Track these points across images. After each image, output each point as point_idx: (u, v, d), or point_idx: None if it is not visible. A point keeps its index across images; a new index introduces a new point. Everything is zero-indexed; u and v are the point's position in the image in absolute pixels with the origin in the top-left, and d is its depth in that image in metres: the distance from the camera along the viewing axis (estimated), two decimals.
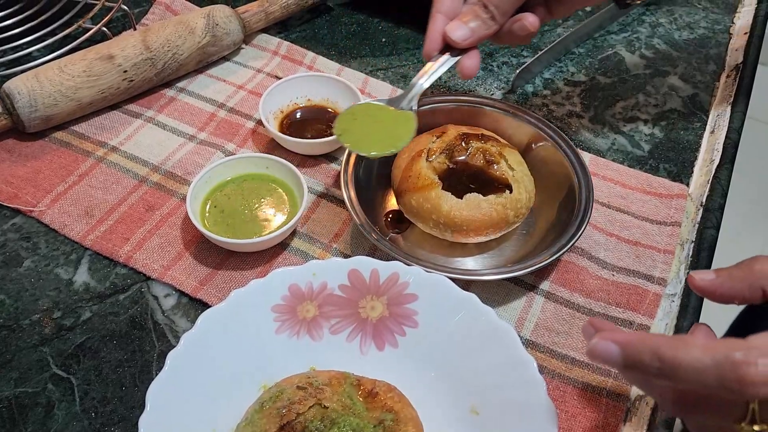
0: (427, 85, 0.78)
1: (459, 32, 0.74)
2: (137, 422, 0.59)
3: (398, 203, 0.81)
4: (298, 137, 0.91)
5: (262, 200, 0.82)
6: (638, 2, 1.00)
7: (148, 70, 0.95)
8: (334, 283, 0.69)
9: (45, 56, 0.97)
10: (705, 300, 0.74)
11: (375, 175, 0.87)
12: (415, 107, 0.79)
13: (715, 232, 0.84)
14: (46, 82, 0.89)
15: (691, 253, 0.82)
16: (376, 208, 0.86)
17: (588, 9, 1.17)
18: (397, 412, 0.59)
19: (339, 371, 0.64)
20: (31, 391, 0.68)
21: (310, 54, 1.06)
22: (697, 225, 0.85)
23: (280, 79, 1.01)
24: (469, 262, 0.81)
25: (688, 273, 0.80)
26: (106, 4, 1.05)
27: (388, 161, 0.85)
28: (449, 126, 0.86)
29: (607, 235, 0.84)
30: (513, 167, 0.81)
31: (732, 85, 1.05)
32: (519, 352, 0.63)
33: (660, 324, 0.75)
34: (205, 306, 0.75)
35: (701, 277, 0.58)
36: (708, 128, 0.99)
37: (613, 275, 0.80)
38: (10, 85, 0.88)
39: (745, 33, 1.14)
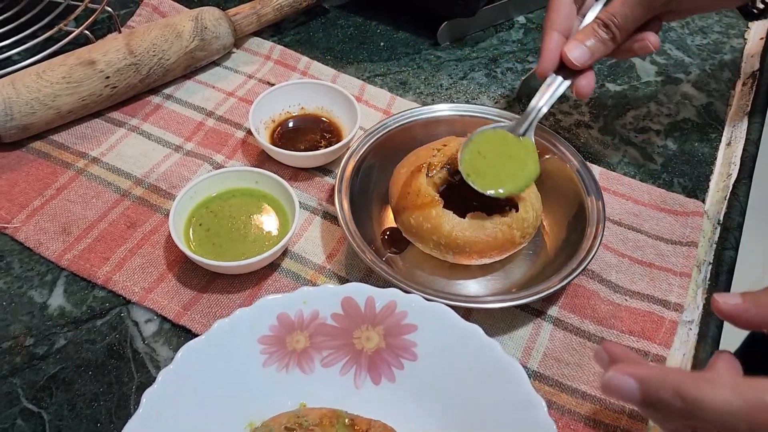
0: (546, 109, 0.75)
1: (577, 53, 0.72)
2: None
3: (396, 222, 0.76)
4: (290, 149, 0.86)
5: (251, 218, 0.77)
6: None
7: (132, 76, 0.90)
8: (327, 311, 0.63)
9: (25, 60, 0.91)
10: (725, 328, 0.69)
11: (372, 190, 0.82)
12: (532, 134, 0.75)
13: (734, 253, 0.79)
14: (23, 89, 0.83)
15: (708, 276, 0.77)
16: (373, 225, 0.80)
17: None
18: None
19: (331, 409, 0.59)
20: None
21: (304, 59, 1.01)
22: (714, 245, 0.80)
23: (272, 85, 0.96)
24: (472, 286, 0.76)
25: (706, 298, 0.75)
26: (90, 5, 1.00)
27: (387, 175, 0.80)
28: (451, 138, 0.81)
29: (619, 256, 0.79)
30: None
31: (749, 94, 0.99)
32: (526, 390, 0.58)
33: (677, 354, 0.70)
34: (189, 333, 0.70)
35: (725, 300, 0.53)
36: (724, 140, 0.94)
37: (626, 300, 0.74)
38: None
39: (762, 38, 1.09)
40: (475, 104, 0.96)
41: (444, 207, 0.72)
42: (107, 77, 0.88)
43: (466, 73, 1.02)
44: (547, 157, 0.83)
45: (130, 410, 0.64)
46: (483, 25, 1.10)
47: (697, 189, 0.87)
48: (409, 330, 0.63)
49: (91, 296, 0.73)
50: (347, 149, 0.81)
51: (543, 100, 0.74)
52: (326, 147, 0.85)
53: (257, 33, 1.05)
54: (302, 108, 0.91)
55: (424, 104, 0.96)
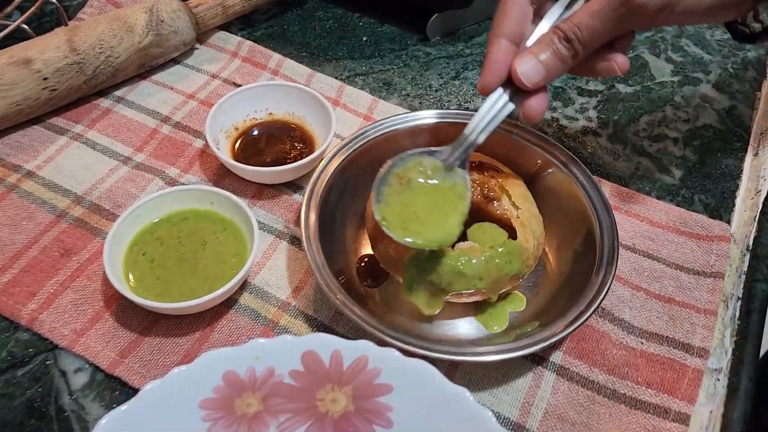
0: (483, 137, 0.61)
1: (529, 68, 0.58)
2: None
3: (373, 250, 0.65)
4: (254, 162, 0.75)
5: (204, 245, 0.66)
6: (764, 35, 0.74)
7: (74, 77, 0.79)
8: (284, 368, 0.53)
9: None
10: (764, 381, 0.59)
11: (348, 210, 0.71)
12: (466, 166, 0.61)
13: (767, 286, 0.68)
14: None
15: (738, 314, 0.66)
16: (347, 252, 0.69)
17: None
18: None
19: None
20: None
21: (276, 56, 0.89)
22: (743, 276, 0.69)
23: (238, 86, 0.84)
24: (463, 327, 0.65)
25: (736, 341, 0.64)
26: None
27: (365, 193, 0.69)
28: None
29: (632, 289, 0.68)
30: (518, 205, 0.65)
31: None
32: None
33: (703, 410, 0.59)
34: (125, 386, 0.59)
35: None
36: (750, 150, 0.82)
37: (642, 343, 0.64)
38: None
39: None
40: (469, 110, 0.85)
41: None
42: (45, 78, 0.77)
43: (459, 72, 0.91)
44: (549, 171, 0.71)
45: None
46: (478, 17, 0.99)
47: (721, 207, 0.76)
48: (383, 391, 0.52)
49: (12, 339, 0.62)
50: (319, 162, 0.70)
51: (481, 125, 0.60)
52: (296, 159, 0.74)
53: (224, 26, 0.93)
54: (270, 114, 0.79)
55: (411, 109, 0.85)
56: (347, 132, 0.80)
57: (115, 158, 0.77)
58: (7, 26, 0.83)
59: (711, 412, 0.59)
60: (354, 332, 0.63)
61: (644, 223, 0.73)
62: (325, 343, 0.53)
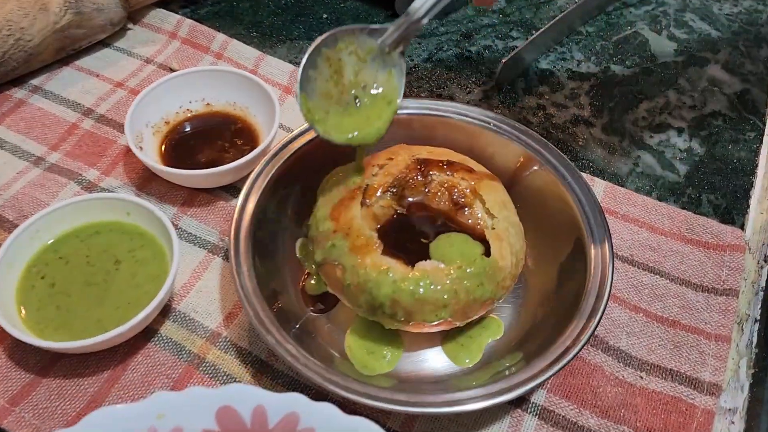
0: (426, 21, 0.50)
1: None
2: None
3: (319, 271, 0.54)
4: (186, 161, 0.64)
5: (117, 265, 0.55)
6: None
7: None
8: (195, 428, 0.42)
9: None
10: None
11: (292, 219, 0.60)
12: (403, 52, 0.52)
13: None
14: None
15: (755, 340, 0.56)
16: (289, 271, 0.58)
17: None
18: None
19: None
20: None
21: (221, 37, 0.77)
22: (761, 292, 0.58)
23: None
24: (429, 360, 0.54)
25: (753, 374, 0.54)
26: None
27: (312, 198, 0.58)
28: (399, 148, 0.59)
29: (630, 311, 0.57)
30: (493, 213, 0.54)
31: None
32: None
33: None
34: None
35: None
36: (766, 140, 0.72)
37: (642, 378, 0.53)
38: None
39: None
40: (440, 98, 0.74)
41: (384, 251, 0.50)
42: None
43: (432, 53, 0.79)
44: (532, 170, 0.61)
45: None
46: None
47: (733, 209, 0.65)
48: None
49: None
50: (260, 162, 0.59)
51: (429, 2, 0.50)
52: (236, 158, 0.62)
53: (163, 3, 0.81)
54: (207, 105, 0.68)
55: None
56: (300, 124, 0.69)
57: (24, 159, 0.66)
58: None
59: None
60: (295, 374, 0.52)
61: (644, 229, 0.63)
62: (246, 397, 0.42)
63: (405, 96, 0.73)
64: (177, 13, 0.81)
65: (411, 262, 0.50)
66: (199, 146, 0.65)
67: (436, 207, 0.56)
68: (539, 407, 0.52)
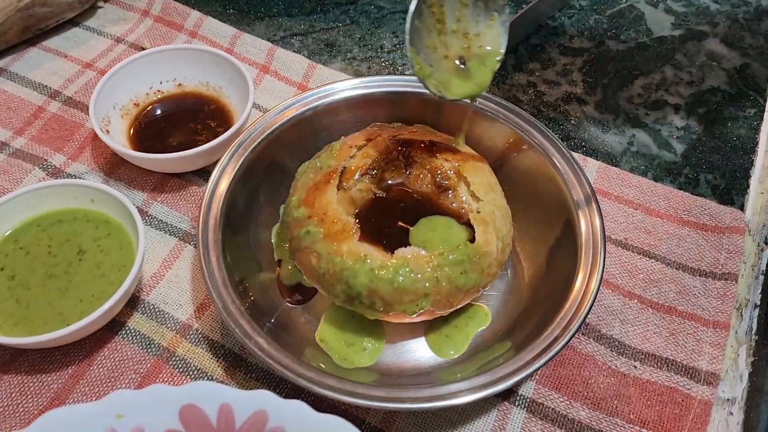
0: None
1: None
2: None
3: (293, 258, 0.51)
4: (157, 144, 0.60)
5: (81, 255, 0.52)
6: None
7: None
8: (157, 427, 0.39)
9: None
10: None
11: (266, 205, 0.57)
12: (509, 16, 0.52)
13: None
14: None
15: (755, 326, 0.53)
16: (264, 260, 0.55)
17: None
18: None
19: None
20: None
21: (195, 14, 0.74)
22: (761, 276, 0.56)
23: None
24: (413, 351, 0.51)
25: (753, 362, 0.51)
26: None
27: (287, 181, 0.55)
28: (380, 128, 0.56)
29: (624, 297, 0.54)
30: (478, 196, 0.51)
31: None
32: None
33: None
34: None
35: None
36: (767, 116, 0.68)
37: (636, 367, 0.50)
38: None
39: None
40: None
41: (362, 237, 0.47)
42: None
43: None
44: (522, 149, 0.57)
45: None
46: None
47: (732, 189, 0.62)
48: None
49: None
50: (232, 144, 0.56)
51: None
52: (208, 141, 0.59)
53: None
54: (179, 85, 0.65)
55: (356, 74, 0.70)
56: (275, 105, 0.65)
57: None
58: None
59: None
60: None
61: (639, 211, 0.60)
62: (211, 395, 0.40)
63: (389, 74, 0.70)
64: None
65: (391, 248, 0.47)
66: (170, 129, 0.62)
67: (418, 190, 0.53)
68: (528, 400, 0.49)
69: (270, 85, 0.68)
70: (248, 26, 0.75)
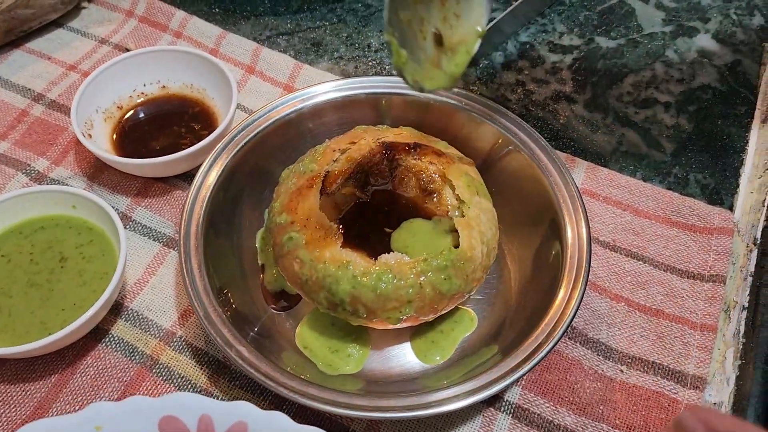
0: None
1: None
2: None
3: (277, 264, 0.51)
4: (140, 148, 0.60)
5: (63, 263, 0.51)
6: None
7: None
8: None
9: None
10: None
11: (249, 209, 0.56)
12: None
13: None
14: None
15: (743, 329, 0.53)
16: (252, 265, 0.54)
17: None
18: None
19: None
20: None
21: (180, 14, 0.73)
22: (749, 278, 0.55)
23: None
24: (397, 356, 0.51)
25: (740, 365, 0.51)
26: None
27: (271, 185, 0.54)
28: (363, 131, 0.55)
29: (611, 299, 0.54)
30: (463, 199, 0.50)
31: None
32: None
33: None
34: None
35: None
36: (758, 115, 0.68)
37: (622, 371, 0.50)
38: None
39: None
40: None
41: (347, 244, 0.47)
42: None
43: None
44: (509, 150, 0.57)
45: None
46: None
47: (722, 189, 0.62)
48: None
49: None
50: (215, 148, 0.55)
51: None
52: (192, 144, 0.58)
53: None
54: (163, 87, 0.64)
55: (343, 74, 0.69)
56: (260, 107, 0.65)
57: None
58: None
59: None
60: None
61: (627, 212, 0.59)
62: (191, 406, 0.39)
63: (376, 74, 0.69)
64: None
65: (375, 254, 0.47)
66: (154, 132, 0.61)
67: (403, 194, 0.52)
68: (513, 405, 0.49)
69: (255, 86, 0.67)
70: (234, 26, 0.74)
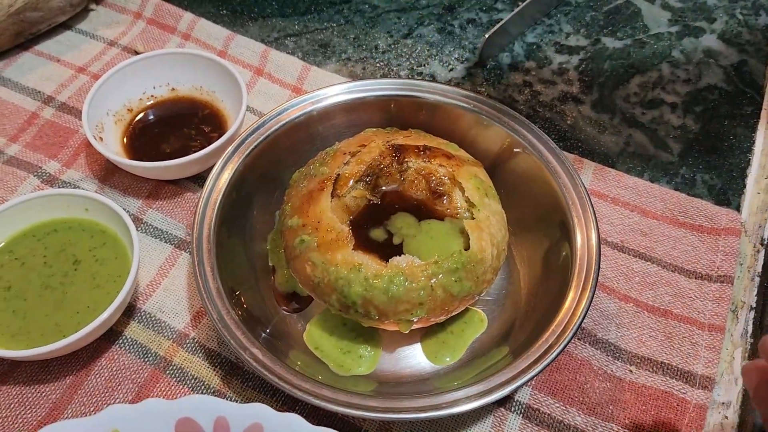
0: None
1: None
2: None
3: (288, 266, 0.51)
4: (151, 151, 0.60)
5: (77, 266, 0.52)
6: None
7: None
8: None
9: None
10: None
11: (262, 211, 0.57)
12: None
13: None
14: None
15: (750, 329, 0.53)
16: (263, 266, 0.55)
17: None
18: None
19: None
20: None
21: (188, 16, 0.73)
22: (757, 277, 0.56)
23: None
24: (408, 357, 0.51)
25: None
26: None
27: (281, 187, 0.55)
28: (374, 133, 0.55)
29: (620, 300, 0.54)
30: (473, 201, 0.50)
31: None
32: None
33: None
34: None
35: None
36: (765, 115, 0.68)
37: (631, 371, 0.51)
38: None
39: None
40: (419, 77, 0.70)
41: (357, 245, 0.47)
42: None
43: (412, 28, 0.75)
44: (517, 152, 0.57)
45: None
46: None
47: (729, 190, 0.62)
48: None
49: None
50: (226, 151, 0.55)
51: None
52: (204, 147, 0.59)
53: None
54: (172, 89, 0.64)
55: (351, 76, 0.70)
56: (272, 108, 0.65)
57: None
58: None
59: None
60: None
61: (635, 213, 0.59)
62: (206, 408, 0.40)
63: (383, 76, 0.70)
64: None
65: (386, 256, 0.47)
66: (164, 135, 0.61)
67: (413, 196, 0.53)
68: (524, 405, 0.49)
69: (264, 87, 0.68)
70: (242, 27, 0.74)
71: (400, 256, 0.47)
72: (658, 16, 0.77)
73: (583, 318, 0.47)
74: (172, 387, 0.49)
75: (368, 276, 0.46)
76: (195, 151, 0.57)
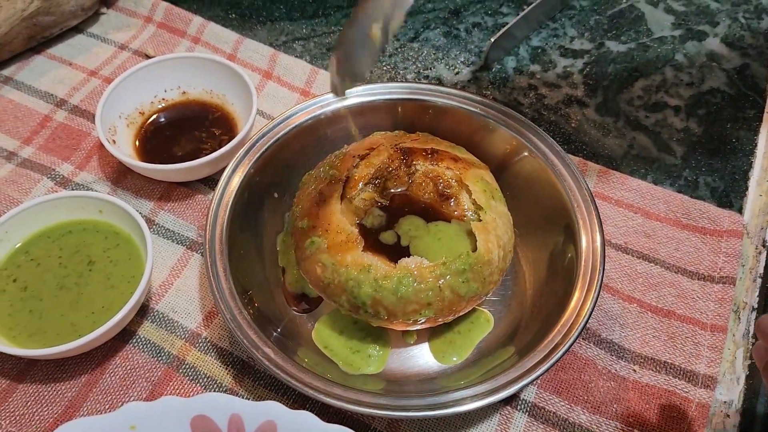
0: None
1: None
2: None
3: (299, 266, 0.52)
4: (162, 154, 0.61)
5: (91, 266, 0.53)
6: None
7: None
8: None
9: None
10: None
11: (272, 213, 0.58)
12: None
13: None
14: None
15: (752, 329, 0.54)
16: (274, 267, 0.56)
17: None
18: None
19: None
20: None
21: (197, 20, 0.74)
22: (759, 279, 0.57)
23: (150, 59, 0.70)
24: (415, 358, 0.52)
25: (750, 365, 0.52)
26: None
27: (291, 190, 0.56)
28: (382, 137, 0.56)
29: (624, 301, 0.55)
30: (480, 203, 0.51)
31: None
32: None
33: None
34: None
35: None
36: (767, 117, 0.69)
37: (635, 371, 0.52)
38: None
39: None
40: (426, 81, 0.71)
41: (366, 246, 0.48)
42: None
43: (419, 32, 0.76)
44: (523, 155, 0.58)
45: None
46: None
47: (731, 192, 0.63)
48: None
49: None
50: (237, 153, 0.56)
51: None
52: (215, 149, 0.60)
53: None
54: (183, 93, 0.65)
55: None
56: (280, 110, 0.66)
57: None
58: None
59: None
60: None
61: (639, 215, 0.60)
62: (221, 406, 0.41)
63: (390, 79, 0.71)
64: None
65: (395, 257, 0.49)
66: (175, 137, 0.63)
67: (421, 199, 0.54)
68: (529, 404, 0.50)
69: (273, 90, 0.69)
70: (250, 31, 0.75)
71: (408, 257, 0.48)
72: (661, 20, 0.78)
73: (588, 318, 0.48)
74: (185, 385, 0.50)
75: (378, 277, 0.47)
76: (206, 154, 0.58)
